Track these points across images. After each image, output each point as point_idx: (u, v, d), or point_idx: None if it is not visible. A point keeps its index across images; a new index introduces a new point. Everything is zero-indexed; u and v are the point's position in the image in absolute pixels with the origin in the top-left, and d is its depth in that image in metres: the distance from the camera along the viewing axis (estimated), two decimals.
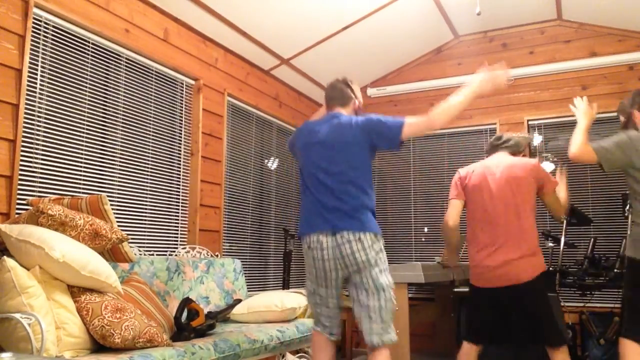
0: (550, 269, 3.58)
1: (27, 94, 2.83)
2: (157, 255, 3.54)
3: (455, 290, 4.34)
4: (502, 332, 2.84)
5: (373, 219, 2.49)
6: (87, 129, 3.18)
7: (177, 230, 3.80)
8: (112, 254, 2.59)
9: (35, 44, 2.89)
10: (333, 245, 2.43)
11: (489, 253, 2.81)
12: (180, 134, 3.90)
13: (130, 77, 3.52)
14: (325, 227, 2.45)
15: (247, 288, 4.40)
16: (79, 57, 3.17)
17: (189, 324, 2.73)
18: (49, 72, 2.97)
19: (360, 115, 2.68)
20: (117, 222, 3.33)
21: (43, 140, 2.91)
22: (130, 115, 3.50)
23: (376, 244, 2.46)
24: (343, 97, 2.69)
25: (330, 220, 2.44)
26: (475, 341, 2.90)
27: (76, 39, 3.15)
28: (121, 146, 3.41)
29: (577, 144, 2.71)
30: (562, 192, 3.01)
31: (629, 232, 2.72)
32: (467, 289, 4.29)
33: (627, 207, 3.25)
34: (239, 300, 3.47)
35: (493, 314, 2.85)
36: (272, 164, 4.99)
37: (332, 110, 2.69)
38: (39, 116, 2.89)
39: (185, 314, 2.81)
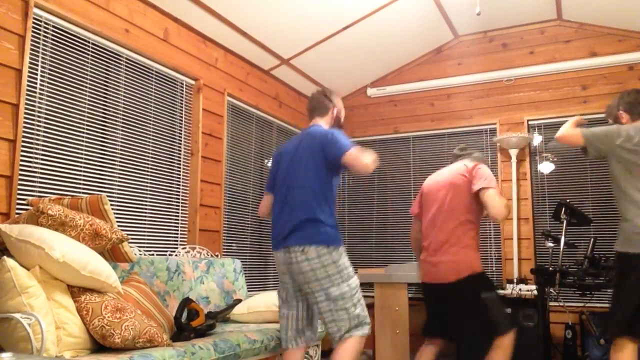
0: (551, 269, 3.59)
1: (27, 94, 2.84)
2: (157, 255, 3.54)
3: None
4: (445, 326, 3.02)
5: (326, 232, 2.57)
6: (87, 129, 3.18)
7: (177, 230, 3.80)
8: (112, 254, 2.59)
9: (35, 44, 2.90)
10: (285, 257, 2.63)
11: (428, 252, 3.00)
12: (180, 134, 3.90)
13: (130, 77, 3.52)
14: (280, 245, 2.65)
15: (247, 288, 4.41)
16: (79, 57, 3.17)
17: (189, 324, 2.73)
18: (49, 72, 2.97)
19: (337, 123, 2.86)
20: (117, 222, 3.33)
21: (43, 140, 2.91)
22: (130, 115, 3.50)
23: (325, 257, 2.54)
24: (320, 107, 2.83)
25: (283, 236, 2.62)
26: (427, 335, 3.08)
27: (76, 39, 3.15)
28: (121, 146, 3.41)
29: (565, 127, 2.87)
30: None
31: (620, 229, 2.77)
32: None
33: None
34: (239, 300, 3.47)
35: (435, 308, 3.05)
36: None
37: (313, 120, 2.86)
38: (39, 116, 2.89)
39: (185, 314, 2.81)
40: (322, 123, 2.83)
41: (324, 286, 2.55)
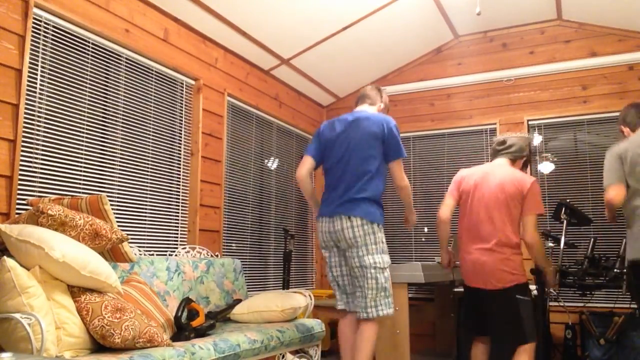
0: (551, 269, 3.58)
1: (27, 94, 2.84)
2: (157, 255, 3.54)
3: (455, 290, 4.34)
4: (483, 327, 3.09)
5: (370, 207, 2.84)
6: (87, 129, 3.18)
7: (177, 230, 3.80)
8: (112, 254, 2.59)
9: (35, 44, 2.90)
10: (329, 222, 2.88)
11: (471, 254, 3.02)
12: (180, 134, 3.90)
13: (130, 77, 3.52)
14: (328, 212, 2.90)
15: (247, 288, 4.40)
16: (79, 57, 3.17)
17: (189, 324, 2.73)
18: (49, 72, 2.97)
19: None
20: (117, 222, 3.33)
21: (43, 140, 2.91)
22: (130, 115, 3.50)
23: (367, 226, 2.79)
24: (372, 97, 3.13)
25: (333, 206, 2.87)
26: (475, 334, 3.14)
27: (76, 39, 3.15)
28: (121, 146, 3.41)
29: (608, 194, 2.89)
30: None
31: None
32: None
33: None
34: (239, 300, 3.47)
35: (475, 311, 3.11)
36: (272, 164, 4.99)
37: (361, 106, 3.11)
38: (39, 116, 2.89)
39: (185, 314, 2.81)
40: (370, 110, 3.07)
41: (359, 254, 2.81)
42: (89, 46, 3.23)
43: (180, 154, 3.88)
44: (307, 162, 3.01)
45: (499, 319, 2.96)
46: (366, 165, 2.85)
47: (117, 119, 3.40)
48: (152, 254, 3.55)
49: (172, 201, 3.77)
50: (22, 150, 2.79)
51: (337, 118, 3.04)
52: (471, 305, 3.13)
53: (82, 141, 3.15)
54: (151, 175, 3.62)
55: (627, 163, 2.82)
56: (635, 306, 2.88)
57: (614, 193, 2.82)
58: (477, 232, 3.01)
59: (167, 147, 3.78)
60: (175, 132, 3.86)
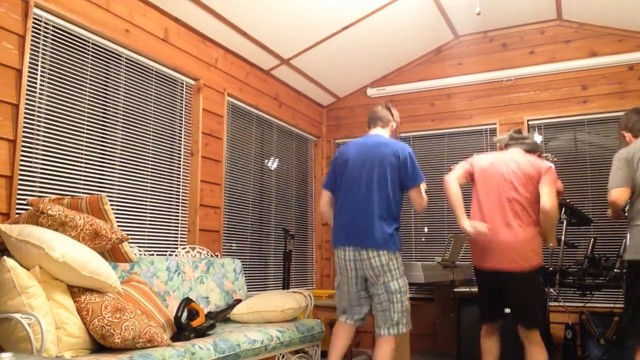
0: (551, 268, 3.58)
1: (27, 94, 2.84)
2: (157, 255, 3.54)
3: (455, 290, 4.34)
4: (497, 308, 3.11)
5: (395, 236, 2.99)
6: (87, 129, 3.18)
7: (177, 230, 3.80)
8: (112, 254, 2.59)
9: (35, 44, 2.90)
10: (354, 252, 2.96)
11: (490, 234, 3.00)
12: (180, 134, 3.90)
13: (130, 77, 3.52)
14: (351, 244, 2.98)
15: (247, 288, 4.41)
16: (79, 57, 3.17)
17: (189, 324, 2.73)
18: (49, 72, 2.97)
19: (394, 135, 3.18)
20: (117, 222, 3.33)
21: (43, 140, 2.91)
22: (130, 115, 3.50)
23: (392, 255, 2.94)
24: (383, 118, 3.16)
25: (357, 237, 2.96)
26: (493, 320, 3.13)
27: (76, 39, 3.15)
28: (121, 146, 3.41)
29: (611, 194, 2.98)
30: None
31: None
32: (467, 289, 4.30)
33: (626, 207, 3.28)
34: (239, 300, 3.47)
35: (490, 292, 3.12)
36: (272, 164, 5.00)
37: (374, 129, 3.17)
38: (39, 116, 2.89)
39: (185, 314, 2.81)
40: (384, 133, 3.13)
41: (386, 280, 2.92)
42: (89, 46, 3.23)
43: (180, 154, 3.88)
44: (325, 196, 3.15)
45: (516, 301, 2.97)
46: (389, 193, 2.95)
47: (117, 119, 3.40)
48: (152, 254, 3.55)
49: (172, 201, 3.77)
50: (22, 150, 2.79)
51: (352, 143, 3.09)
52: (487, 291, 3.11)
53: (82, 141, 3.15)
54: (151, 175, 3.62)
55: (634, 165, 2.87)
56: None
57: (618, 195, 2.91)
58: (495, 212, 3.00)
59: (167, 147, 3.78)
60: (175, 132, 3.86)
